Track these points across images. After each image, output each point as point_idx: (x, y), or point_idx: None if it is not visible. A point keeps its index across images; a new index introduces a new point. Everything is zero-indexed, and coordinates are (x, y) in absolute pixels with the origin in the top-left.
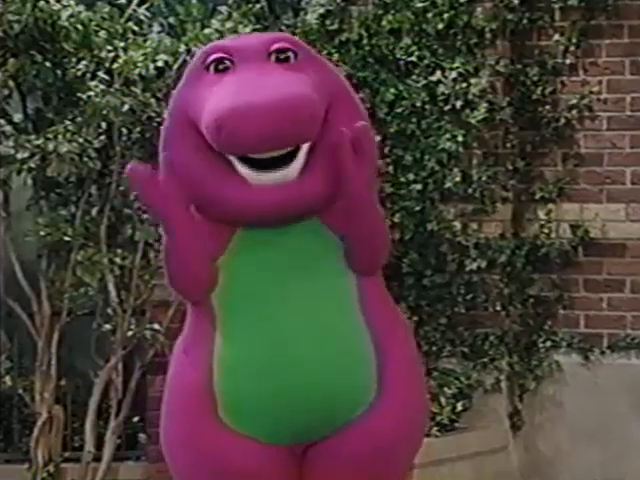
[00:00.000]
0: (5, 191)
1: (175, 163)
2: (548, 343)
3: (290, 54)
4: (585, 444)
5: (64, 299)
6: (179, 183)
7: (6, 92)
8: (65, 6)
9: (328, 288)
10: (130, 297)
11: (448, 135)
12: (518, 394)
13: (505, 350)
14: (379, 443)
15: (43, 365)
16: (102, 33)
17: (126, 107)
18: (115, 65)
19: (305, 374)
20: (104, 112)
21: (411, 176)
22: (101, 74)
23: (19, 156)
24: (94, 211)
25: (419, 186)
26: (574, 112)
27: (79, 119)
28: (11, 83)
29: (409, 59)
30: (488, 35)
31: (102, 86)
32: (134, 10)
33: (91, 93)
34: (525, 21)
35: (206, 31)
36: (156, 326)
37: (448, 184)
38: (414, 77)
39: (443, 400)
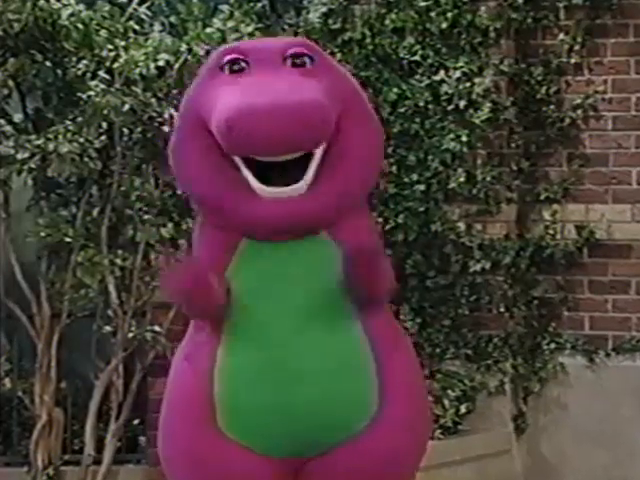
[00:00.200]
0: (5, 192)
1: (185, 164)
2: (552, 345)
3: (306, 59)
4: (590, 447)
5: (64, 300)
6: (187, 183)
7: (6, 92)
8: (65, 5)
9: (330, 303)
10: (131, 299)
11: (452, 135)
12: (522, 396)
13: (509, 352)
14: (377, 460)
15: (43, 367)
16: (103, 32)
17: (127, 107)
18: (116, 64)
19: (304, 389)
20: (105, 112)
21: (415, 176)
22: (102, 73)
23: (19, 156)
24: (95, 212)
25: (423, 186)
26: (579, 112)
27: (79, 119)
28: (11, 83)
29: (412, 58)
30: (492, 34)
31: (103, 86)
32: (135, 9)
33: (91, 93)
34: (529, 20)
35: (208, 30)
36: (157, 328)
37: (452, 184)
38: (417, 77)
39: (447, 402)
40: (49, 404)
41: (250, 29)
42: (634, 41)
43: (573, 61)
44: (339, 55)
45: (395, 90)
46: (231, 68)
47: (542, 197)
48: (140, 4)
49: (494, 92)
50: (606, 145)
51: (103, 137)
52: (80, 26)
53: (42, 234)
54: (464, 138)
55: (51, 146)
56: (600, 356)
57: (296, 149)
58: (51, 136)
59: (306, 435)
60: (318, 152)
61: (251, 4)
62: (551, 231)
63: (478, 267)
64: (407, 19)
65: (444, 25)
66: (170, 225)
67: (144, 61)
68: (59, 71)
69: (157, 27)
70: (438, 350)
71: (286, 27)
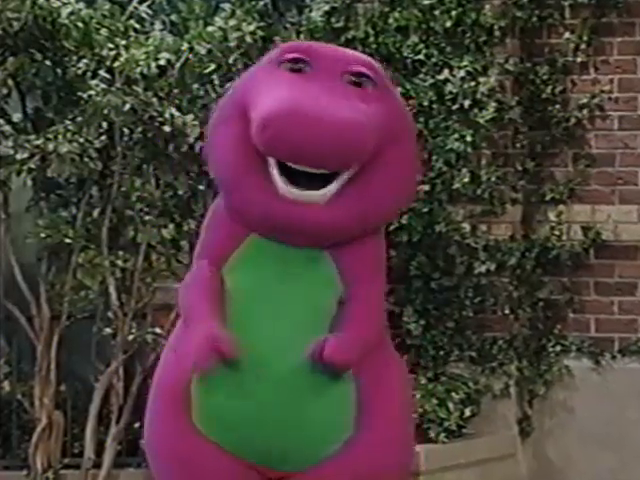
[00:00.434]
0: (5, 192)
1: (217, 146)
2: (558, 347)
3: (365, 80)
4: (596, 450)
5: (64, 302)
6: (214, 164)
7: (5, 91)
8: (65, 3)
9: (318, 319)
10: (131, 300)
11: (456, 135)
12: (527, 399)
13: (514, 355)
14: None
15: (42, 370)
16: (103, 31)
17: (127, 106)
18: (116, 63)
19: (275, 396)
20: (105, 111)
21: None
22: (102, 73)
23: (19, 157)
24: (95, 213)
25: (427, 187)
26: (585, 111)
27: (79, 119)
28: (10, 82)
29: (416, 57)
30: (497, 33)
31: (103, 85)
32: (135, 7)
33: (92, 92)
34: (535, 19)
35: (209, 29)
36: (157, 330)
37: (456, 185)
38: (421, 76)
39: (451, 405)
40: (49, 407)
41: (252, 28)
42: None
43: (579, 60)
44: None
45: (399, 89)
46: (290, 66)
47: (547, 198)
48: (141, 2)
49: (499, 91)
50: (612, 145)
51: (103, 137)
52: (80, 25)
53: (42, 235)
54: (468, 138)
55: (51, 146)
56: (606, 358)
57: (322, 167)
58: (51, 136)
59: (271, 443)
60: (347, 172)
61: (253, 2)
62: (557, 232)
63: (483, 268)
64: (411, 18)
65: (448, 24)
66: (171, 226)
67: (145, 60)
68: (59, 70)
69: (158, 26)
70: (442, 352)
71: (288, 26)
